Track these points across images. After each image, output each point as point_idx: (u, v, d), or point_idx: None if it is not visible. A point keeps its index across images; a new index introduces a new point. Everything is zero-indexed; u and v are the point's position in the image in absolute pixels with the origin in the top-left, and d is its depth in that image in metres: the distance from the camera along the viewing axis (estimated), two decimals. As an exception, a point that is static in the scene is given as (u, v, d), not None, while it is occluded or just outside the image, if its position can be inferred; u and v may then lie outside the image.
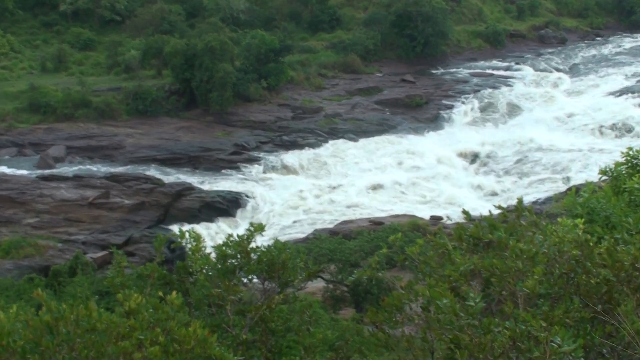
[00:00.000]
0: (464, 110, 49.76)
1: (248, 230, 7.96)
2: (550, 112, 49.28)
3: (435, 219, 31.61)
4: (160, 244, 7.48)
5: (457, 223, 7.20)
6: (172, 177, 38.70)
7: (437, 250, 6.77)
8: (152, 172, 38.73)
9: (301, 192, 37.88)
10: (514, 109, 50.42)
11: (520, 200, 7.02)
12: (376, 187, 38.45)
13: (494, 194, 37.93)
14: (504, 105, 50.80)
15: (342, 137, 44.80)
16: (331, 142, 44.01)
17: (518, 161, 41.45)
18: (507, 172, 40.22)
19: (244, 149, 42.48)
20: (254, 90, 48.19)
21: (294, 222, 34.88)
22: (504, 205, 7.28)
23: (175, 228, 31.38)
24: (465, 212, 7.46)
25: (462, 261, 6.25)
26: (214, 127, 44.93)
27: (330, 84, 53.28)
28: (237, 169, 40.42)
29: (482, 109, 50.34)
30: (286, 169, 40.48)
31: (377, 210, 35.63)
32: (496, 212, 7.22)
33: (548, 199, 33.35)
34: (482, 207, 33.21)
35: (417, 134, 46.48)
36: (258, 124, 45.66)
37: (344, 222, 32.25)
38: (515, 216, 6.90)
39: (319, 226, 33.18)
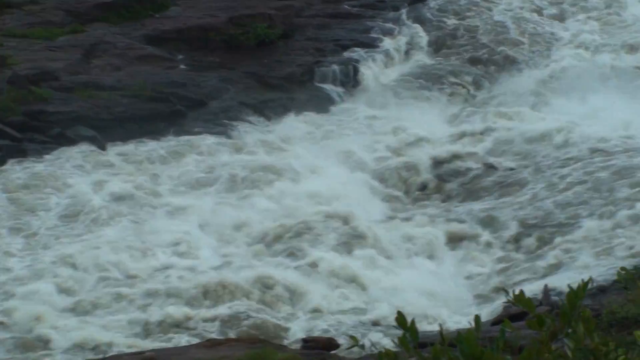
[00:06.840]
0: (382, 57, 47.02)
1: None
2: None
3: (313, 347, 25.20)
4: None
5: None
6: None
7: None
8: None
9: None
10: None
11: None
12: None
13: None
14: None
15: (62, 138, 41.03)
16: (45, 153, 40.20)
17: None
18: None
19: None
20: None
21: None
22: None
23: None
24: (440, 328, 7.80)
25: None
26: None
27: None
28: None
29: (433, 43, 47.58)
30: None
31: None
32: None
33: None
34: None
35: (265, 122, 42.03)
36: None
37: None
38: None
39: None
